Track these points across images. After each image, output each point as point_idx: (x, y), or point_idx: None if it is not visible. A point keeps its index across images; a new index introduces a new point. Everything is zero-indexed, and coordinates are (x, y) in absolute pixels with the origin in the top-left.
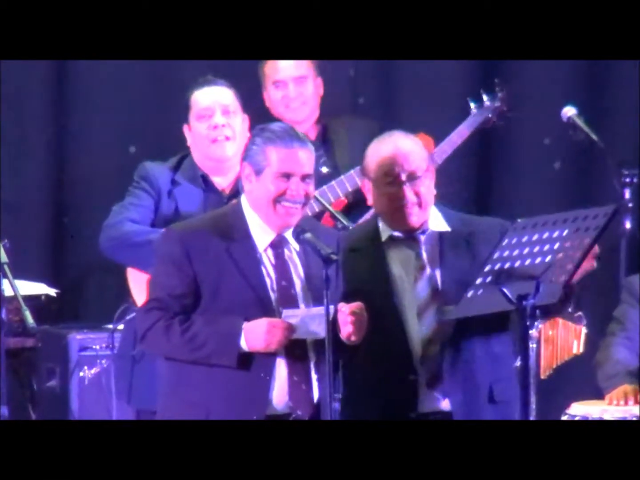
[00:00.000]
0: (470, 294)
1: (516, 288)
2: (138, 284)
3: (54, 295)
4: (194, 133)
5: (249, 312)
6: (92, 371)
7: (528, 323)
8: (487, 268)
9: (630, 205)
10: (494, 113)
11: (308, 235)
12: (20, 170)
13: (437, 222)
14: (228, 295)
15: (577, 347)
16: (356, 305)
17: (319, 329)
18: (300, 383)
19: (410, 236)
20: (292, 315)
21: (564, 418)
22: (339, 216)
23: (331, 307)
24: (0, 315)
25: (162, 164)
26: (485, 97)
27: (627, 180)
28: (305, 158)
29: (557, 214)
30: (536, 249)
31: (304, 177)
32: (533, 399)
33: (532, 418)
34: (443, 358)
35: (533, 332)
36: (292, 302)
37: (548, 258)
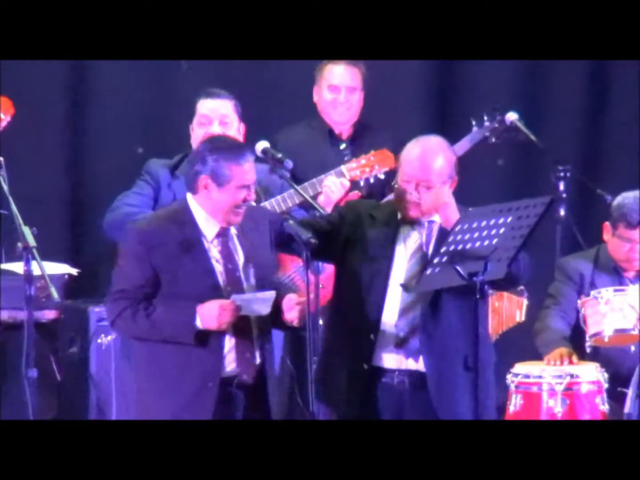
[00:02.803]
0: (428, 271)
1: (468, 267)
2: None
3: (75, 274)
4: (195, 137)
5: (203, 294)
6: (108, 338)
7: (478, 296)
8: (443, 249)
9: (564, 196)
10: (492, 133)
11: (291, 222)
12: (44, 168)
13: None
14: (184, 281)
15: (520, 316)
16: (302, 300)
17: (262, 309)
18: (244, 352)
19: (418, 222)
20: (239, 299)
21: (508, 377)
22: (317, 206)
23: (273, 293)
24: (30, 292)
25: (166, 161)
26: (485, 118)
27: (562, 174)
28: (254, 169)
29: (502, 203)
30: (484, 233)
31: (254, 184)
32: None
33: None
34: (419, 326)
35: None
36: (237, 283)
37: (495, 241)
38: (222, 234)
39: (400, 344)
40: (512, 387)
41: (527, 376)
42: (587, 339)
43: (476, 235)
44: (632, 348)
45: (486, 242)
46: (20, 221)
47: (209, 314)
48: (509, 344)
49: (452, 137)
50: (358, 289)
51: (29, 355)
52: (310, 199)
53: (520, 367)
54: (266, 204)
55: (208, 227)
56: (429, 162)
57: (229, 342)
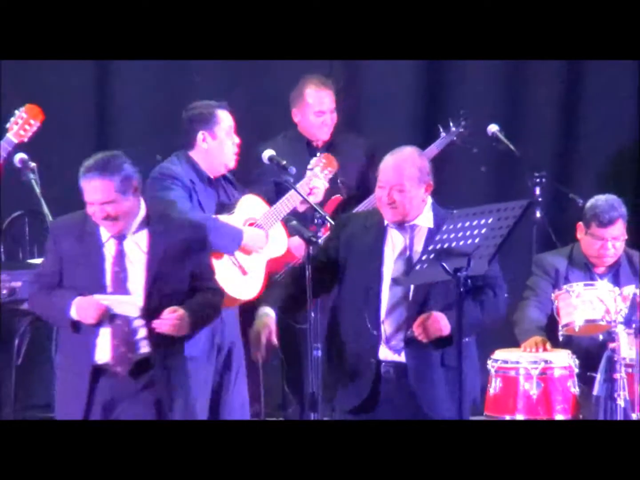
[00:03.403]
0: (417, 267)
1: (453, 263)
2: None
3: None
4: (220, 143)
5: (89, 290)
6: None
7: (462, 289)
8: (430, 247)
9: (539, 199)
10: (458, 137)
11: (294, 223)
12: (71, 172)
13: (425, 220)
14: (77, 276)
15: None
16: (179, 315)
17: (129, 311)
18: (119, 345)
19: (402, 226)
20: (103, 299)
21: (489, 362)
22: (318, 208)
23: (133, 297)
24: None
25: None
26: (451, 124)
27: (537, 180)
28: (102, 188)
29: (484, 206)
30: (468, 233)
31: (103, 203)
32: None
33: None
34: (404, 323)
35: None
36: (121, 285)
37: (477, 240)
38: (116, 238)
39: (388, 339)
40: (492, 371)
41: (506, 361)
42: (560, 328)
43: (460, 234)
44: (600, 337)
45: (470, 241)
46: (51, 220)
47: (79, 307)
48: (490, 332)
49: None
50: (358, 291)
51: (58, 341)
52: (314, 205)
53: (499, 353)
54: (271, 207)
55: (103, 230)
56: (400, 168)
57: (105, 336)
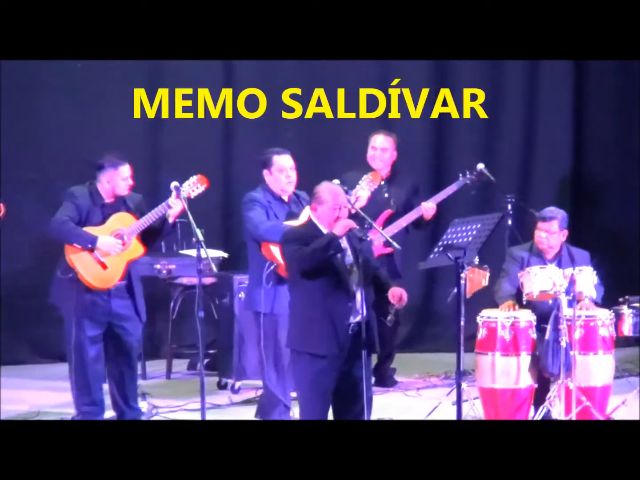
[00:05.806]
0: (431, 256)
1: (454, 253)
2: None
3: (226, 256)
4: (274, 177)
5: None
6: (243, 294)
7: (460, 271)
8: (439, 243)
9: (510, 213)
10: (471, 182)
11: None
12: (207, 193)
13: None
14: None
15: (485, 282)
16: None
17: None
18: None
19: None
20: None
21: (478, 317)
22: (362, 213)
23: None
24: (200, 267)
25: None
26: (467, 173)
27: (509, 200)
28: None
29: (474, 216)
30: (464, 234)
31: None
32: (463, 309)
33: (462, 319)
34: (364, 298)
35: (463, 275)
36: None
37: (470, 239)
38: None
39: (357, 308)
40: (480, 323)
41: (489, 317)
42: (524, 296)
43: (459, 234)
44: (550, 301)
45: (465, 239)
46: (194, 225)
47: None
48: (479, 299)
49: (445, 181)
50: (333, 278)
51: (199, 303)
52: (358, 210)
53: (485, 312)
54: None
55: None
56: (343, 194)
57: None
